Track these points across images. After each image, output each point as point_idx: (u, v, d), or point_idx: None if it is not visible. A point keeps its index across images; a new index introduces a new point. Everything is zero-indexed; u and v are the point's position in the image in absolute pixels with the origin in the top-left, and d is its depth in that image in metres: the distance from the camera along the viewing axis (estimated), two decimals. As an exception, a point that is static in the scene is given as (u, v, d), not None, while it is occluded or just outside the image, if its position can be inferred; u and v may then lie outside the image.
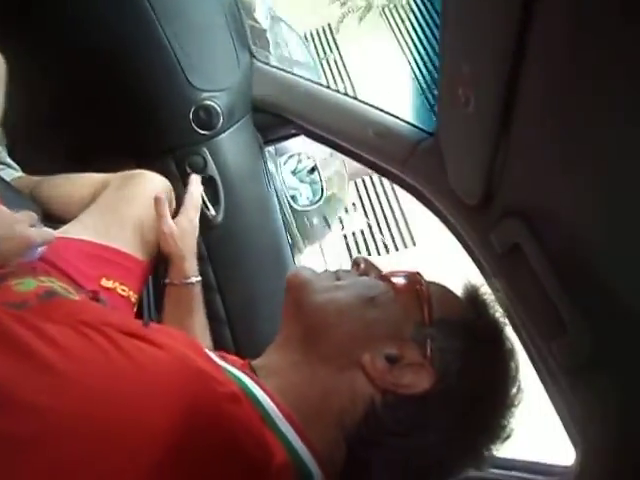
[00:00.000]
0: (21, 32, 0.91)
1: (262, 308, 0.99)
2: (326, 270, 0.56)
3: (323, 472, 0.43)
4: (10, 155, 1.02)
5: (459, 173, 0.68)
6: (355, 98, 0.93)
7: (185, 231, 0.81)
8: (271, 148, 1.28)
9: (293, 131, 1.07)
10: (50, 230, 0.65)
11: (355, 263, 0.57)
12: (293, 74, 1.03)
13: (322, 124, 0.96)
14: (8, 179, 0.93)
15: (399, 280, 0.53)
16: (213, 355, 0.47)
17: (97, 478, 0.32)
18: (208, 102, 0.99)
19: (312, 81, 1.01)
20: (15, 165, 1.00)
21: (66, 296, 0.56)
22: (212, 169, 1.01)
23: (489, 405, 0.48)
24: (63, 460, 0.32)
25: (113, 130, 1.01)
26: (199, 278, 0.81)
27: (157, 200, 0.80)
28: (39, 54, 0.95)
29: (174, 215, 0.83)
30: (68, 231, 0.76)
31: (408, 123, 0.84)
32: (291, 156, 1.64)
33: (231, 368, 0.44)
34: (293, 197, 1.96)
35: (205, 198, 0.97)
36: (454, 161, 0.68)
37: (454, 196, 0.68)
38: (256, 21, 2.07)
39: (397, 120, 0.86)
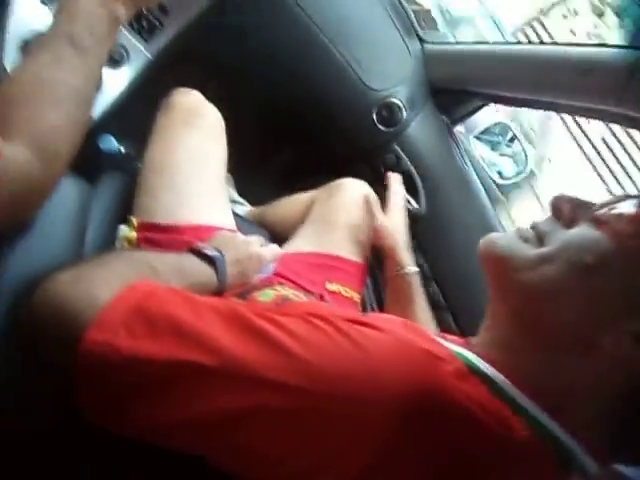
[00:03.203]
0: (222, 80, 1.05)
1: (478, 288, 0.94)
2: (519, 228, 0.46)
3: (587, 448, 0.38)
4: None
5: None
6: (541, 42, 0.82)
7: (396, 224, 0.85)
8: (461, 127, 1.22)
9: (479, 103, 1.01)
10: (277, 246, 0.75)
11: (555, 207, 0.45)
12: (463, 43, 0.97)
13: (510, 84, 0.88)
14: (242, 214, 1.10)
15: (620, 226, 0.41)
16: (434, 336, 0.46)
17: (326, 454, 0.35)
18: (388, 100, 1.01)
19: (485, 42, 0.93)
20: (243, 201, 1.18)
21: (297, 300, 0.63)
22: (405, 163, 1.01)
23: None
24: (302, 432, 0.35)
25: (309, 150, 1.11)
26: (416, 268, 0.83)
27: (367, 201, 0.86)
28: (239, 97, 1.10)
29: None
30: (291, 246, 0.87)
31: (617, 46, 0.70)
32: (484, 131, 1.52)
33: (454, 346, 0.43)
34: (499, 173, 1.87)
35: (405, 193, 0.98)
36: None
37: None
38: (417, 3, 2.02)
39: (602, 48, 0.73)
